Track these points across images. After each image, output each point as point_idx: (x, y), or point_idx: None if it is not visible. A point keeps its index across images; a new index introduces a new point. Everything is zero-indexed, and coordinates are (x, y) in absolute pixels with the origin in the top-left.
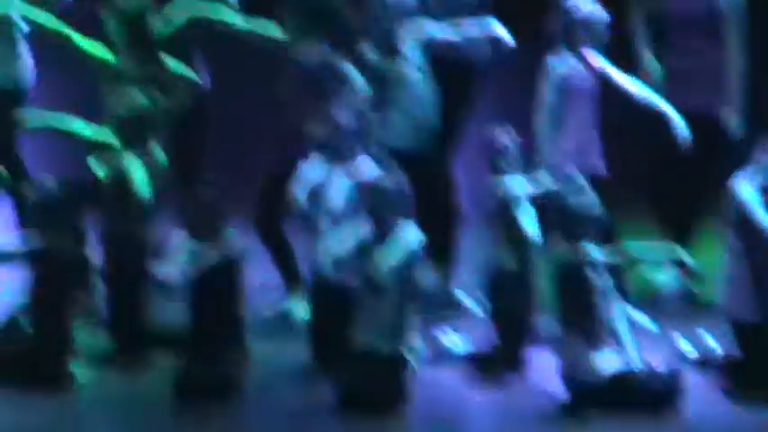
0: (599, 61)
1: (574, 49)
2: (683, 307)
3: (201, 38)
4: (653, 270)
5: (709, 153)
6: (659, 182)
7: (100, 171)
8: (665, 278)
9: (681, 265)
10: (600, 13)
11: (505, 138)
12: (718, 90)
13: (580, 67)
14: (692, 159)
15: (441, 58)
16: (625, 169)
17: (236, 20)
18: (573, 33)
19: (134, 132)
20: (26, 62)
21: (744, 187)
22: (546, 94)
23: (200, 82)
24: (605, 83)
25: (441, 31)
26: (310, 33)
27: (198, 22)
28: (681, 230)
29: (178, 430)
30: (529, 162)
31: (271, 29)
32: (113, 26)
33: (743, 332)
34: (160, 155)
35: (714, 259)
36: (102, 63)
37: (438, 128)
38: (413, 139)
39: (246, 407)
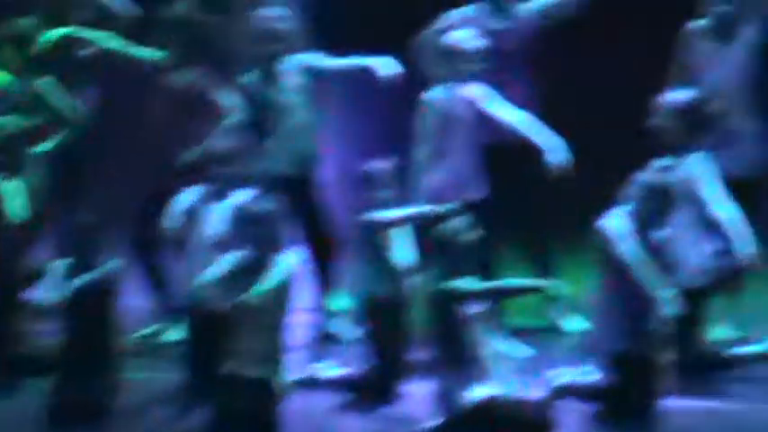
0: (475, 91)
1: (451, 79)
2: (556, 336)
3: (78, 61)
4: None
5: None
6: (529, 209)
7: None
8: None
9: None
10: (475, 42)
11: (383, 166)
12: None
13: (458, 96)
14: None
15: None
16: (501, 197)
17: (112, 42)
18: (449, 63)
19: (10, 156)
20: None
21: (613, 222)
22: (424, 122)
23: (84, 106)
24: (481, 112)
25: (321, 59)
26: (188, 58)
27: (68, 40)
28: (547, 260)
29: None
30: (406, 190)
31: (147, 53)
32: (7, 50)
33: (614, 361)
34: (39, 179)
35: (584, 288)
36: None
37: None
38: (292, 165)
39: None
